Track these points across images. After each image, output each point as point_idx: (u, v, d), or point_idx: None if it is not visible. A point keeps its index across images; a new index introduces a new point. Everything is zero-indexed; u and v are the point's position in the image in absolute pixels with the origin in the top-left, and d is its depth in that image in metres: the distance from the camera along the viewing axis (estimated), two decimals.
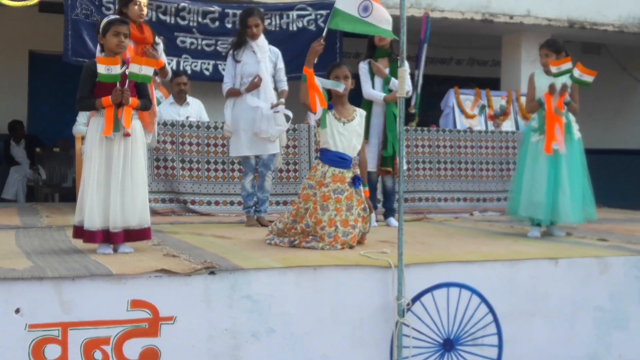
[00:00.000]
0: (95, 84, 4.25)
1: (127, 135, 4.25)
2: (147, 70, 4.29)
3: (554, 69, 5.63)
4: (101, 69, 4.14)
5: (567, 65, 5.61)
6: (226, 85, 6.13)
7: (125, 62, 4.29)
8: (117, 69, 4.18)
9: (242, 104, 6.05)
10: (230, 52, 6.15)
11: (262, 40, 6.14)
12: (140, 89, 4.37)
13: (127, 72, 4.24)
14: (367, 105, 6.32)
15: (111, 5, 7.53)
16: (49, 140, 10.05)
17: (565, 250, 4.94)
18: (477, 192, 8.10)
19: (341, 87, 4.92)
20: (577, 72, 5.65)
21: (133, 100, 4.27)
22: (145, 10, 5.63)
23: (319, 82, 4.89)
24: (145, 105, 4.44)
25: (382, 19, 5.08)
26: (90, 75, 4.24)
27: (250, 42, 6.04)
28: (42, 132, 10.29)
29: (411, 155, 7.79)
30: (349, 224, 4.79)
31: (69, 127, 7.64)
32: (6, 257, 4.07)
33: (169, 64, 7.98)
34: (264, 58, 6.09)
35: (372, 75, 6.45)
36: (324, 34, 5.15)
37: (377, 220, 6.41)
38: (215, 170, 7.14)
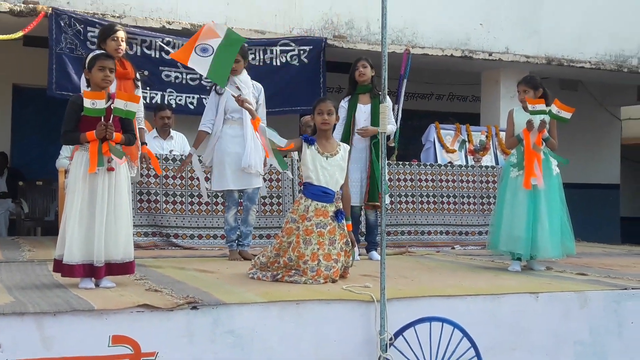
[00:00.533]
0: (80, 118, 4.29)
1: (110, 169, 4.27)
2: (132, 106, 4.34)
3: (529, 107, 5.76)
4: (87, 103, 4.18)
5: (541, 106, 5.75)
6: (203, 126, 6.16)
7: (110, 97, 4.33)
8: (102, 104, 4.22)
9: (227, 135, 6.08)
10: (214, 86, 6.21)
11: (244, 75, 6.20)
12: (124, 123, 4.41)
13: (112, 107, 4.28)
14: (347, 138, 6.35)
15: (96, 40, 7.57)
16: (32, 173, 10.01)
17: (546, 285, 5.00)
18: (458, 225, 8.17)
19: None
20: (555, 109, 5.77)
21: (117, 135, 4.30)
22: (123, 45, 5.67)
23: (264, 131, 5.01)
24: (129, 140, 4.47)
25: (215, 38, 5.49)
26: (76, 109, 4.28)
27: (233, 78, 6.10)
28: (25, 165, 10.25)
29: (393, 189, 7.85)
30: (332, 258, 4.82)
31: (53, 161, 7.63)
32: None
33: (152, 98, 8.12)
34: (247, 93, 6.14)
35: (353, 111, 6.50)
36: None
37: (359, 254, 6.45)
38: (199, 203, 7.15)
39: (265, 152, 5.11)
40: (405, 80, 8.51)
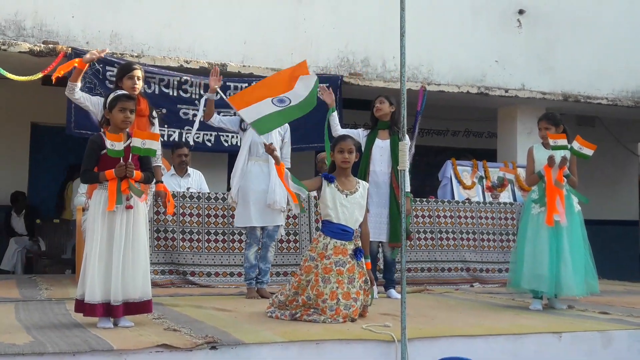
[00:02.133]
0: (100, 157, 4.31)
1: (129, 207, 4.28)
2: (151, 144, 4.35)
3: (551, 142, 5.72)
4: (107, 144, 4.20)
5: (563, 141, 5.71)
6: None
7: (130, 135, 4.35)
8: (120, 145, 4.23)
9: (251, 173, 6.10)
10: (241, 122, 6.23)
11: None
12: (143, 162, 4.42)
13: (130, 146, 4.30)
14: (364, 176, 6.35)
15: (114, 79, 7.65)
16: (50, 211, 10.06)
17: (568, 324, 4.91)
18: (477, 262, 8.09)
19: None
20: (577, 145, 5.73)
21: (137, 173, 4.31)
22: (139, 83, 5.71)
23: (287, 178, 4.96)
24: (148, 178, 4.48)
25: (300, 95, 5.18)
26: (95, 148, 4.30)
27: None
28: (42, 204, 10.31)
29: (411, 226, 7.81)
30: (351, 296, 4.77)
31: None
32: (6, 331, 4.02)
33: (170, 135, 8.16)
34: (274, 131, 6.18)
35: (371, 145, 6.50)
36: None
37: (377, 292, 6.39)
38: (215, 241, 7.14)
39: (292, 197, 5.05)
40: (419, 117, 8.52)
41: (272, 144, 5.83)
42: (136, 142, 4.27)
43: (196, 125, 6.79)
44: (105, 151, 4.26)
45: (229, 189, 7.03)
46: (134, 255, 4.27)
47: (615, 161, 12.65)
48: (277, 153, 5.81)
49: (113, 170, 4.23)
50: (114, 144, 4.19)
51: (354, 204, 4.98)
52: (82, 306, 4.24)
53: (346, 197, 4.97)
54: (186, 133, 8.19)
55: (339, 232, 4.91)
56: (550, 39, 10.19)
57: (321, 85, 6.52)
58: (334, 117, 6.62)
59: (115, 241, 4.23)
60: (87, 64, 5.77)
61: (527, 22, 10.09)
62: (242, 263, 6.54)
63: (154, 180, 5.85)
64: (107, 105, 4.42)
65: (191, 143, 7.68)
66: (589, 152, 5.72)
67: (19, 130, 10.34)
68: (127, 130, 4.43)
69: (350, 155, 5.01)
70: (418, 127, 8.59)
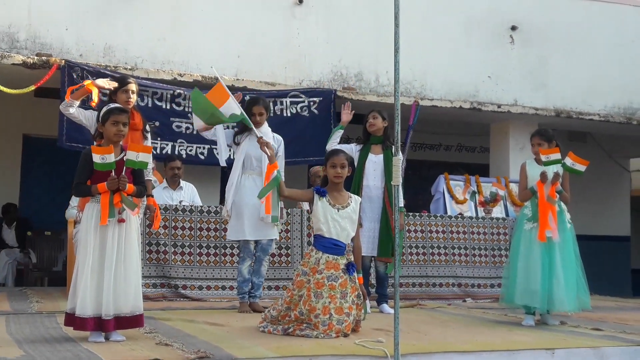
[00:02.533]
0: (92, 170, 4.29)
1: (121, 221, 4.26)
2: (144, 157, 4.34)
3: (543, 157, 5.74)
4: (96, 158, 4.18)
5: (556, 155, 5.72)
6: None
7: (122, 149, 4.34)
8: (111, 157, 4.22)
9: (245, 187, 6.10)
10: (234, 136, 6.24)
11: (265, 127, 6.27)
12: (136, 175, 4.41)
13: (124, 159, 4.28)
14: (357, 190, 6.35)
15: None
16: (41, 223, 10.02)
17: (561, 340, 4.91)
18: (470, 277, 8.09)
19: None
20: (569, 161, 5.75)
21: (130, 187, 4.30)
22: (133, 97, 5.70)
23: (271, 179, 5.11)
24: (140, 191, 4.46)
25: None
26: (88, 161, 4.28)
27: (255, 129, 6.16)
28: (34, 215, 10.26)
29: (404, 241, 7.80)
30: (344, 311, 4.75)
31: (61, 211, 7.63)
32: None
33: (163, 148, 8.14)
34: None
35: (364, 160, 6.52)
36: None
37: (370, 307, 6.37)
38: (208, 254, 7.11)
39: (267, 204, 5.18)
40: (411, 131, 8.55)
41: (262, 137, 5.86)
42: (131, 155, 4.26)
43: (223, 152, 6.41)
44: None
45: (222, 202, 7.02)
46: (126, 269, 4.25)
47: (607, 177, 12.71)
48: (269, 151, 5.86)
49: (105, 183, 4.22)
50: (104, 157, 4.17)
51: (345, 219, 4.97)
52: (72, 320, 4.20)
53: (338, 211, 4.97)
54: (179, 146, 8.18)
55: (331, 246, 4.90)
56: (543, 55, 10.25)
57: (347, 102, 6.68)
58: (338, 134, 6.60)
59: (107, 255, 4.21)
60: (93, 89, 5.69)
61: (519, 39, 10.15)
62: (235, 277, 6.53)
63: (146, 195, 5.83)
64: (100, 119, 4.41)
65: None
66: (581, 168, 5.74)
67: (11, 142, 10.32)
68: (121, 143, 4.42)
69: (343, 170, 5.01)
70: (409, 142, 8.63)
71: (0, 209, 9.93)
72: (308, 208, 5.33)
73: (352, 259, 4.99)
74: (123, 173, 4.27)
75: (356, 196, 5.21)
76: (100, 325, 4.20)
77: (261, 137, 5.87)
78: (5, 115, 9.94)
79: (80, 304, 4.16)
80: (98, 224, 4.20)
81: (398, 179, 4.40)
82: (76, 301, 4.18)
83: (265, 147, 5.67)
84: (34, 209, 10.33)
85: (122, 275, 4.23)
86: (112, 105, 4.55)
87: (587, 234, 11.77)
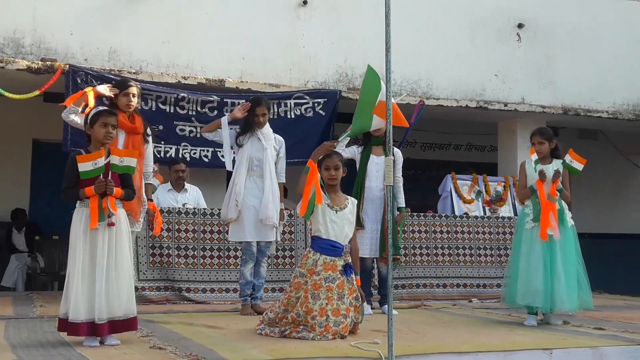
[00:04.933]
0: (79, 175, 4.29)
1: (111, 224, 4.26)
2: (129, 162, 4.35)
3: (533, 157, 5.75)
4: (83, 167, 4.19)
5: (580, 165, 5.72)
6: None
7: (109, 153, 4.35)
8: (102, 161, 4.22)
9: (246, 188, 6.11)
10: (236, 137, 6.26)
11: (267, 128, 6.29)
12: (123, 179, 4.41)
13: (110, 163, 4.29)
14: (359, 192, 6.35)
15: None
16: (50, 228, 10.08)
17: (561, 340, 4.87)
18: (475, 277, 8.04)
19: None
20: (568, 158, 5.72)
21: (117, 190, 4.30)
22: (134, 100, 5.70)
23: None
24: (129, 195, 4.46)
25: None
26: (76, 166, 4.28)
27: (257, 130, 6.18)
28: (43, 220, 10.33)
29: (408, 241, 7.78)
30: (341, 313, 4.74)
31: (70, 215, 7.65)
32: None
33: (167, 152, 8.17)
34: (269, 145, 6.23)
35: (366, 162, 6.52)
36: (340, 139, 5.59)
37: (372, 308, 6.36)
38: (211, 257, 7.13)
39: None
40: (409, 129, 8.49)
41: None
42: (114, 159, 4.28)
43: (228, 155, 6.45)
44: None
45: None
46: (117, 272, 4.26)
47: (618, 174, 12.58)
48: (272, 170, 5.92)
49: (92, 187, 4.22)
50: (96, 162, 4.17)
51: (343, 220, 4.97)
52: (65, 325, 4.22)
53: (336, 212, 4.96)
54: (183, 149, 8.20)
55: (329, 247, 4.90)
56: (550, 53, 10.16)
57: None
58: (345, 141, 6.58)
59: (98, 259, 4.22)
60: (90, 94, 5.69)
61: (526, 36, 10.06)
62: (238, 279, 6.53)
63: (147, 199, 5.84)
64: (88, 121, 4.43)
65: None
66: (579, 166, 5.70)
67: (21, 147, 10.39)
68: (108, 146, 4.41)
69: (337, 171, 5.01)
70: (406, 139, 8.58)
71: (10, 214, 10.01)
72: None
73: (350, 261, 4.98)
74: (109, 177, 4.27)
75: (353, 199, 5.20)
76: (94, 329, 4.21)
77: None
78: (14, 121, 10.02)
79: (73, 308, 4.17)
80: (87, 228, 4.21)
81: (390, 179, 4.39)
82: (69, 306, 4.19)
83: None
84: (43, 214, 10.39)
85: (114, 279, 4.24)
86: (101, 107, 4.57)
87: (598, 232, 11.68)
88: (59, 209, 10.03)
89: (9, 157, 10.25)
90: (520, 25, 10.01)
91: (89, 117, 4.43)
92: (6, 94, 7.37)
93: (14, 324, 5.19)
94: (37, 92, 7.56)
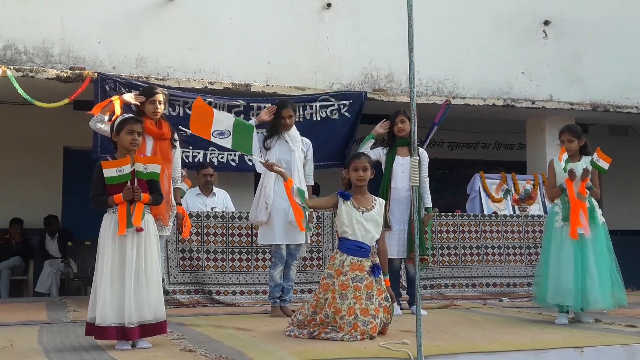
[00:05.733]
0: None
1: (139, 230, 4.32)
2: (153, 168, 4.40)
3: (563, 156, 5.71)
4: (108, 172, 4.25)
5: (605, 164, 5.67)
6: None
7: (134, 161, 4.40)
8: (127, 168, 4.29)
9: (275, 192, 6.13)
10: (263, 141, 6.30)
11: (294, 130, 6.34)
12: (150, 184, 4.47)
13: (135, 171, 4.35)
14: (386, 193, 6.35)
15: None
16: (82, 233, 10.23)
17: (592, 339, 4.82)
18: (505, 277, 7.99)
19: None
20: (595, 157, 5.68)
21: (145, 196, 4.36)
22: (160, 107, 5.77)
23: (295, 193, 5.06)
24: (157, 200, 4.52)
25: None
26: (102, 173, 4.35)
27: (283, 133, 6.22)
28: (75, 226, 10.48)
29: (436, 241, 7.76)
30: (369, 313, 4.75)
31: (101, 221, 7.76)
32: (26, 355, 4.10)
33: (195, 156, 8.24)
34: (296, 147, 6.27)
35: (391, 163, 6.52)
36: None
37: (402, 308, 6.36)
38: (240, 260, 7.19)
39: (296, 214, 5.19)
40: (435, 128, 8.47)
41: (268, 160, 5.90)
42: (138, 167, 4.34)
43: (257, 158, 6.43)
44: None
45: None
46: (147, 277, 4.31)
47: None
48: (300, 172, 5.93)
49: (121, 194, 4.29)
50: (121, 169, 4.24)
51: (370, 221, 4.98)
52: (92, 329, 4.28)
53: (362, 214, 4.97)
54: (210, 154, 8.26)
55: (355, 248, 4.91)
56: (577, 49, 10.06)
57: (385, 120, 6.74)
58: (369, 144, 6.62)
59: (127, 264, 4.27)
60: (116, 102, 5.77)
61: (553, 33, 9.99)
62: (267, 281, 6.57)
63: (175, 203, 5.90)
64: (114, 129, 4.50)
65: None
66: (604, 165, 5.66)
67: (52, 155, 10.55)
68: (142, 154, 4.49)
69: (365, 172, 5.01)
70: (431, 138, 8.56)
71: (43, 221, 10.17)
72: (333, 212, 5.34)
73: (377, 261, 4.99)
74: (136, 183, 4.32)
75: (380, 199, 5.20)
76: (123, 333, 4.26)
77: (266, 161, 5.91)
78: (45, 129, 10.19)
79: (101, 313, 4.23)
80: (116, 234, 4.27)
81: (416, 179, 4.39)
82: (96, 311, 4.25)
83: (274, 167, 5.64)
84: (75, 220, 10.54)
85: (143, 283, 4.29)
86: (127, 115, 4.63)
87: (631, 228, 11.52)
88: (90, 215, 10.09)
89: (41, 165, 10.43)
90: (546, 22, 9.94)
91: (115, 124, 4.50)
92: (37, 102, 7.49)
93: (48, 329, 5.28)
94: (66, 101, 7.68)
